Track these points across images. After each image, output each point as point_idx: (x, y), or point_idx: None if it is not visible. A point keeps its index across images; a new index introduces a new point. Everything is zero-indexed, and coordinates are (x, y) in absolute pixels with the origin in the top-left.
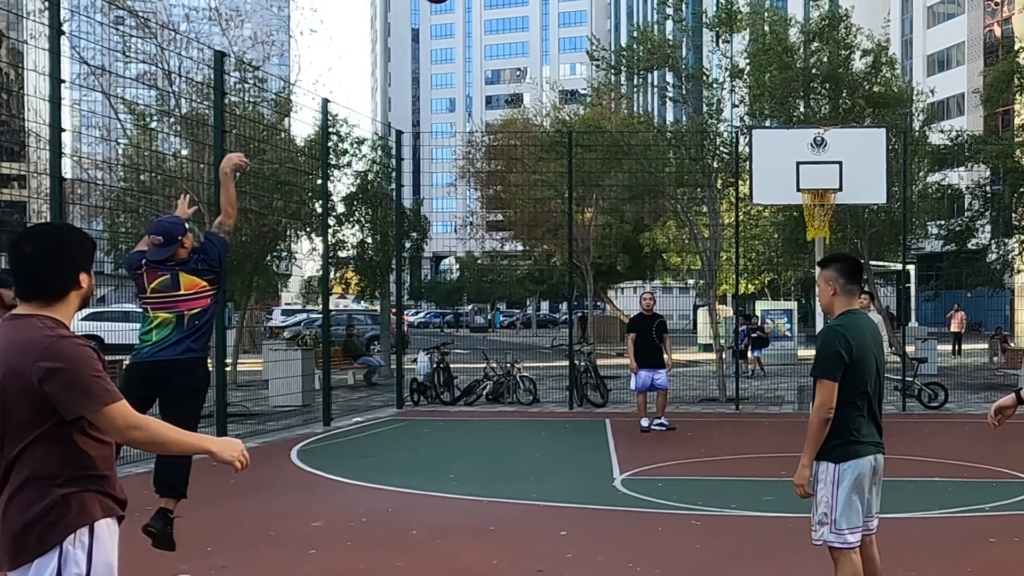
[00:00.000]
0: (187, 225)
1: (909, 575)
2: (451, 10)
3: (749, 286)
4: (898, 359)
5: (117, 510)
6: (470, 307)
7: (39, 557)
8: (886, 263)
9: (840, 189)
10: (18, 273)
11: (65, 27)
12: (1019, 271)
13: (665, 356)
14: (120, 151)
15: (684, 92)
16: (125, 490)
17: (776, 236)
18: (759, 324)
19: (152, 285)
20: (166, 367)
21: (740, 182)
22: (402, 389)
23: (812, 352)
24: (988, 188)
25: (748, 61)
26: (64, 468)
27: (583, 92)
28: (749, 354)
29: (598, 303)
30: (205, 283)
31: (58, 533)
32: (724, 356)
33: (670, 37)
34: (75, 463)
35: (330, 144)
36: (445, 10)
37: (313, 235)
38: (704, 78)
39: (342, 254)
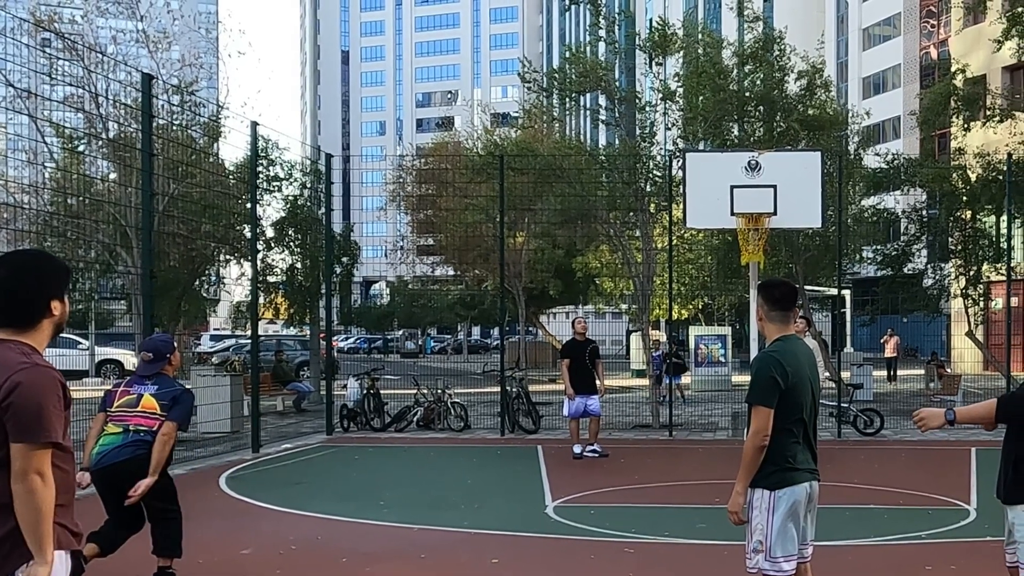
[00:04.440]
0: (175, 345)
1: None
2: (381, 32)
3: (682, 311)
4: (833, 385)
5: (72, 543)
6: (400, 332)
7: None
8: (821, 288)
9: (775, 213)
10: None
11: None
12: (955, 296)
13: (598, 382)
14: (47, 175)
15: (617, 115)
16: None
17: (710, 260)
18: (675, 350)
19: (119, 402)
20: (113, 473)
21: (673, 206)
22: (332, 415)
23: (747, 378)
24: (924, 212)
25: (681, 84)
26: None
27: (515, 115)
28: (681, 379)
29: (530, 328)
30: (159, 408)
31: (12, 562)
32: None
33: (602, 59)
34: None
35: (259, 168)
36: (375, 32)
37: (242, 260)
38: (637, 101)
39: (271, 279)
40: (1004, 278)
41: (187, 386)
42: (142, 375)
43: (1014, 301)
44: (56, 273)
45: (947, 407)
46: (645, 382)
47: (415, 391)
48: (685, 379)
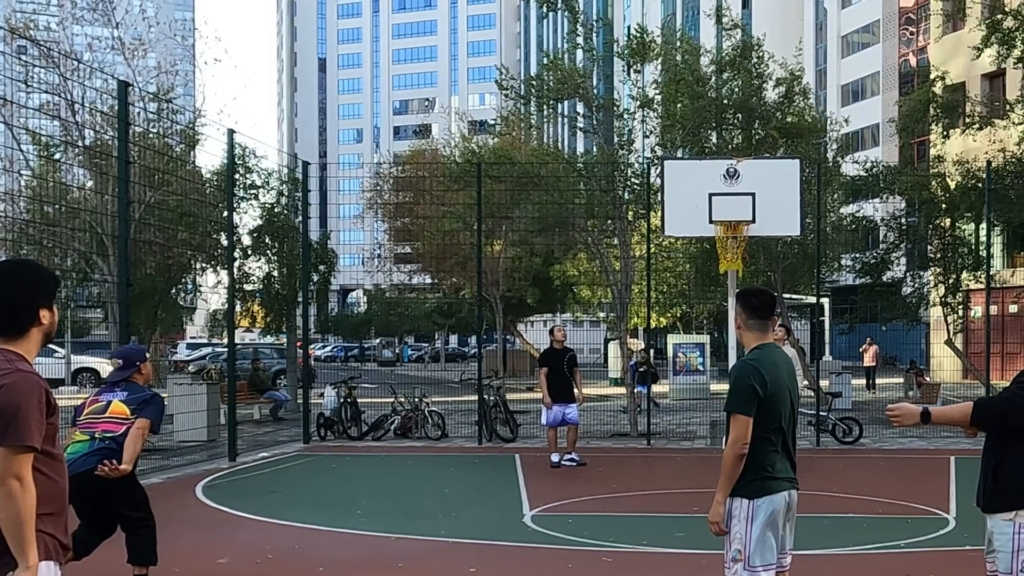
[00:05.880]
0: (148, 355)
1: None
2: (358, 40)
3: (661, 319)
4: (812, 393)
5: (60, 555)
6: (378, 341)
7: None
8: (800, 296)
9: (753, 221)
10: None
11: None
12: (934, 304)
13: (575, 391)
14: (23, 182)
15: (595, 122)
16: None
17: (688, 268)
18: (645, 358)
19: (88, 410)
20: (80, 481)
21: (651, 214)
22: (309, 424)
23: (725, 386)
24: (903, 220)
25: (659, 91)
26: None
27: (492, 122)
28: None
29: (508, 336)
30: (128, 412)
31: None
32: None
33: (580, 66)
34: None
35: (236, 175)
36: (352, 39)
37: (219, 268)
38: (615, 108)
39: (248, 287)
40: (983, 286)
41: (163, 394)
42: (112, 382)
43: (993, 309)
44: (44, 282)
45: (923, 407)
46: (623, 391)
47: (392, 399)
48: (658, 387)
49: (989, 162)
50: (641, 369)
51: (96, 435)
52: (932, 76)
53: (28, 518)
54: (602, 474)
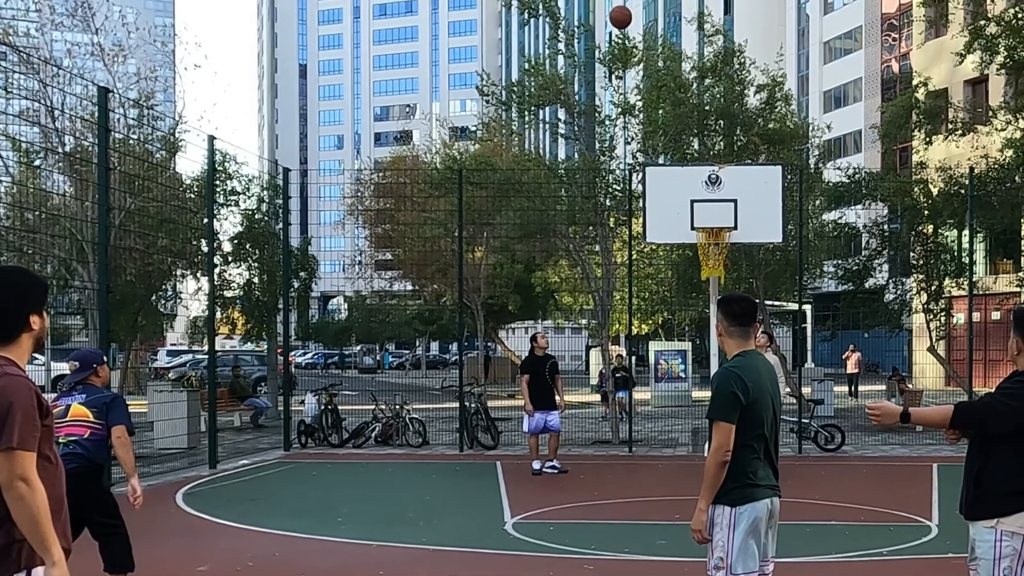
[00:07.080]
0: (105, 359)
1: None
2: (339, 46)
3: (643, 326)
4: (794, 400)
5: None
6: (358, 348)
7: None
8: (782, 303)
9: (735, 228)
10: None
11: None
12: (917, 311)
13: (557, 398)
14: (2, 189)
15: (576, 129)
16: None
17: (670, 275)
18: (622, 364)
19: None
20: None
21: (633, 220)
22: (289, 431)
23: (707, 393)
24: (885, 226)
25: (641, 97)
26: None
27: (474, 129)
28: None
29: (489, 343)
30: (91, 415)
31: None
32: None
33: (562, 72)
34: None
35: (216, 182)
36: (333, 46)
37: (199, 274)
38: (596, 114)
39: (228, 294)
40: (966, 293)
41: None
42: (70, 385)
43: (976, 316)
44: (34, 287)
45: (903, 407)
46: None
47: (373, 407)
48: (637, 394)
49: (972, 168)
50: (618, 375)
51: (60, 439)
52: (915, 82)
53: (43, 517)
54: (584, 481)
